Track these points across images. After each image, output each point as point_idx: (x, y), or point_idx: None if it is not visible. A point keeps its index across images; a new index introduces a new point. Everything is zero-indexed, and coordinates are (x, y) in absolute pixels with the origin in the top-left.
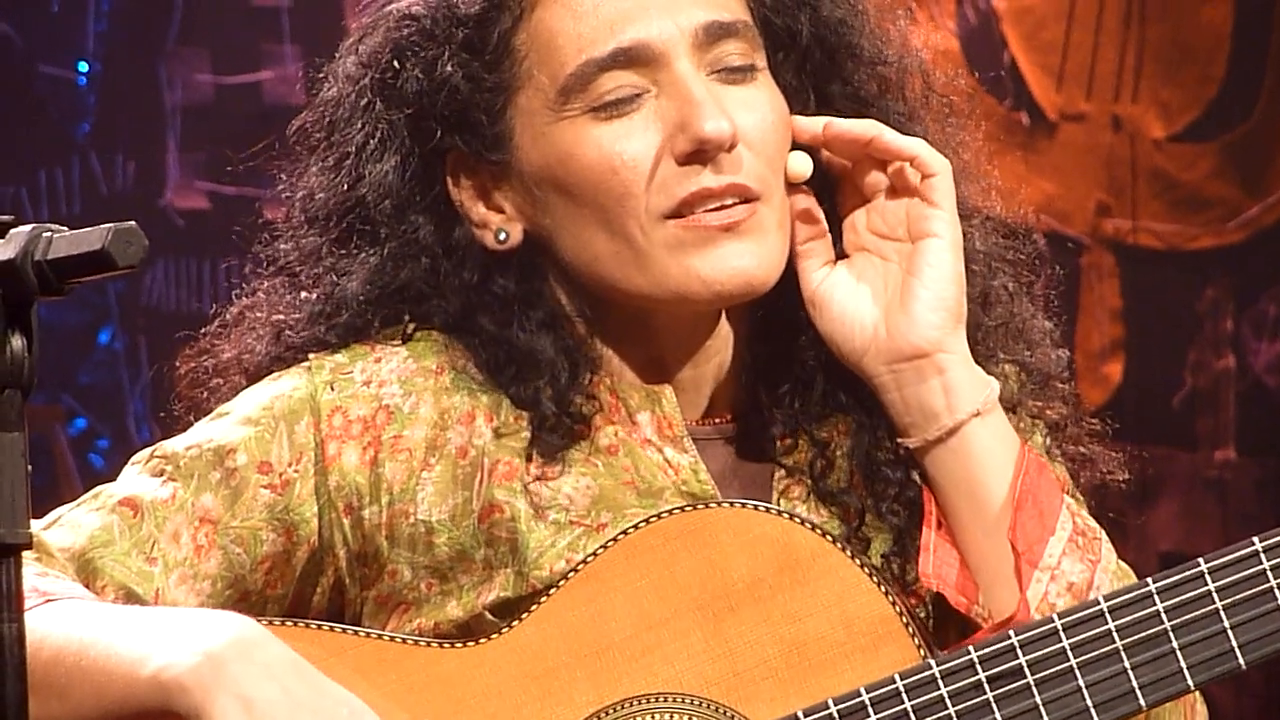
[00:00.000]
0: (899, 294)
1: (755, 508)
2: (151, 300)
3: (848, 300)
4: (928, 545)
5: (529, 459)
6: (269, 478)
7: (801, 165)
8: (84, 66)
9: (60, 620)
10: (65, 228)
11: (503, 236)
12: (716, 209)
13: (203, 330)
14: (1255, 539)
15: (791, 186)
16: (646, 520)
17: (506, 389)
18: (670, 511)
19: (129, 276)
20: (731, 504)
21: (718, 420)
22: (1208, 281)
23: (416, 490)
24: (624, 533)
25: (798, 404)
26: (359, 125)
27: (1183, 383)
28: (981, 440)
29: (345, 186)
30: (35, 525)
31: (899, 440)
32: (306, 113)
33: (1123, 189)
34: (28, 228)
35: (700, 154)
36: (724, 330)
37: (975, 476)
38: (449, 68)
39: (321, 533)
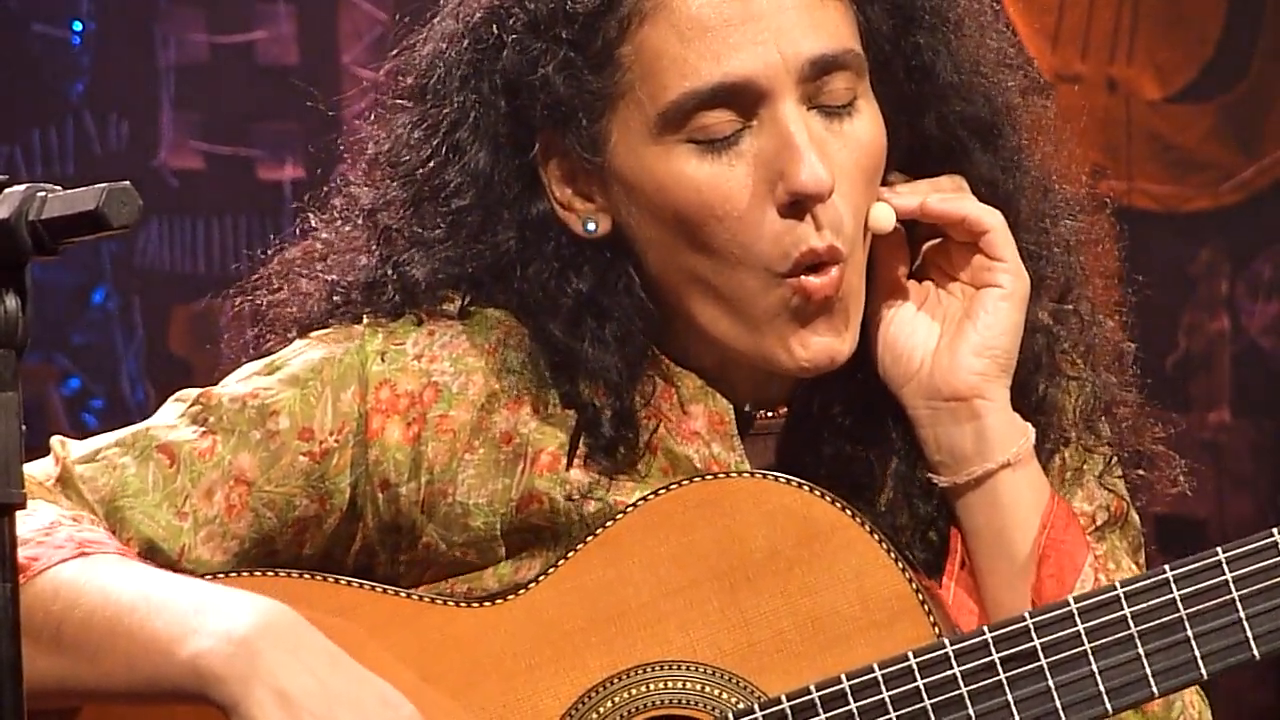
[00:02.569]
0: (951, 333)
1: (776, 479)
2: (145, 260)
3: (903, 326)
4: (948, 588)
5: (570, 458)
6: (309, 444)
7: (884, 219)
8: (78, 26)
9: (96, 577)
10: (59, 187)
11: (591, 226)
12: (816, 269)
13: (260, 269)
14: (1275, 530)
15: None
16: (667, 487)
17: (559, 387)
18: (691, 479)
19: (123, 236)
20: (752, 474)
21: (770, 415)
22: (1203, 243)
23: (457, 471)
24: (644, 499)
25: (848, 421)
26: (455, 100)
27: (1177, 345)
28: (1010, 491)
29: (432, 162)
30: (74, 450)
31: (929, 475)
32: (395, 56)
33: (1118, 151)
34: (22, 187)
35: (798, 205)
36: None
37: (1000, 526)
38: (551, 66)
39: (354, 502)
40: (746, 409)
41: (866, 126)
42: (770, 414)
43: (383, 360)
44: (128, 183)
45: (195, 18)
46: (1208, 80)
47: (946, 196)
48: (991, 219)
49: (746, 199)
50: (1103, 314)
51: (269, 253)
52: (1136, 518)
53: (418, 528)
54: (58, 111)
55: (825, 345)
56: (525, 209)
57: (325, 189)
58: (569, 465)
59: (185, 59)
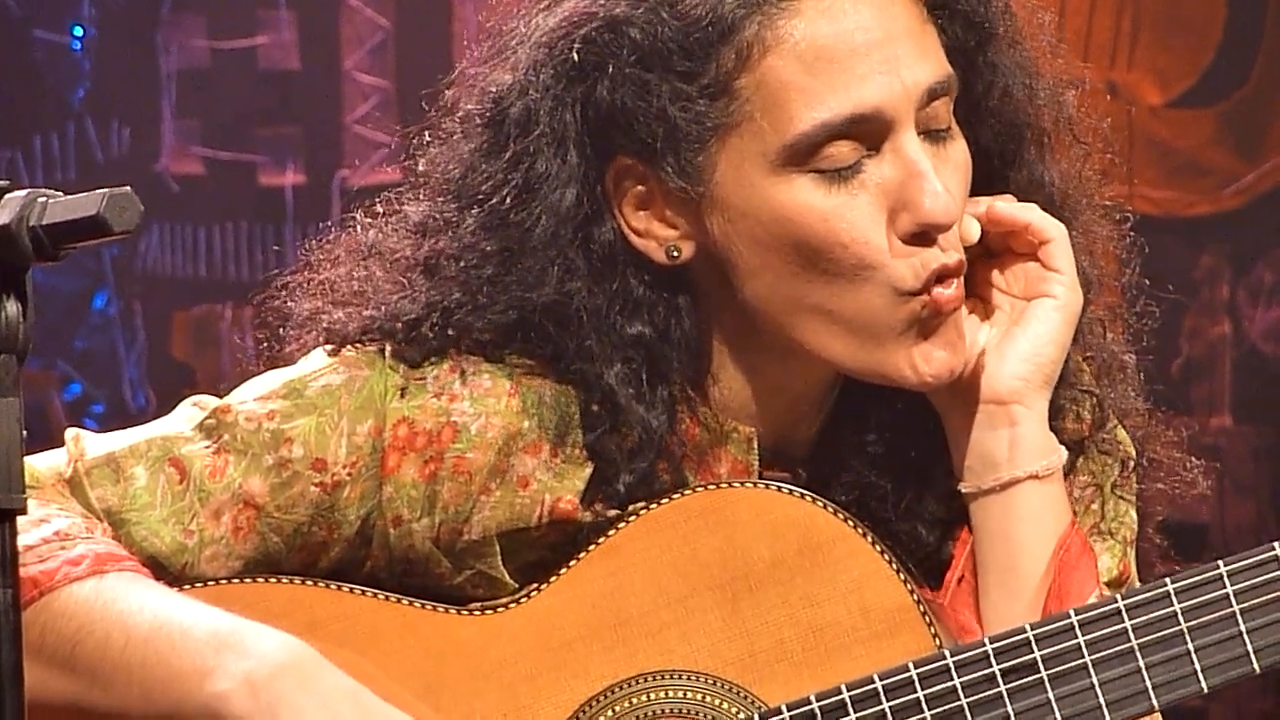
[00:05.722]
0: (999, 339)
1: (778, 488)
2: (147, 265)
3: None
4: (942, 597)
5: (584, 503)
6: (321, 475)
7: (974, 231)
8: (79, 31)
9: (113, 600)
10: (60, 193)
11: (675, 253)
12: (942, 279)
13: (294, 272)
14: (1276, 544)
15: None
16: (669, 496)
17: (586, 432)
18: (693, 489)
19: (124, 242)
20: (754, 484)
21: (790, 472)
22: (1204, 249)
23: (472, 513)
24: (646, 507)
25: (874, 449)
26: (545, 129)
27: (1178, 350)
28: (1031, 504)
29: (509, 196)
30: (88, 449)
31: (958, 486)
32: (463, 76)
33: (1119, 156)
34: (23, 193)
35: (924, 233)
36: (836, 384)
37: (1013, 538)
38: (666, 98)
39: (363, 533)
40: (772, 463)
41: (961, 148)
42: (790, 471)
43: (402, 396)
44: (128, 188)
45: (196, 23)
46: (1209, 85)
47: (1012, 204)
48: (1055, 230)
49: (872, 226)
50: (1111, 323)
51: (309, 253)
52: (1128, 553)
53: (431, 560)
54: (59, 117)
55: (945, 361)
56: (591, 240)
57: (372, 200)
58: (584, 503)
59: (186, 65)
